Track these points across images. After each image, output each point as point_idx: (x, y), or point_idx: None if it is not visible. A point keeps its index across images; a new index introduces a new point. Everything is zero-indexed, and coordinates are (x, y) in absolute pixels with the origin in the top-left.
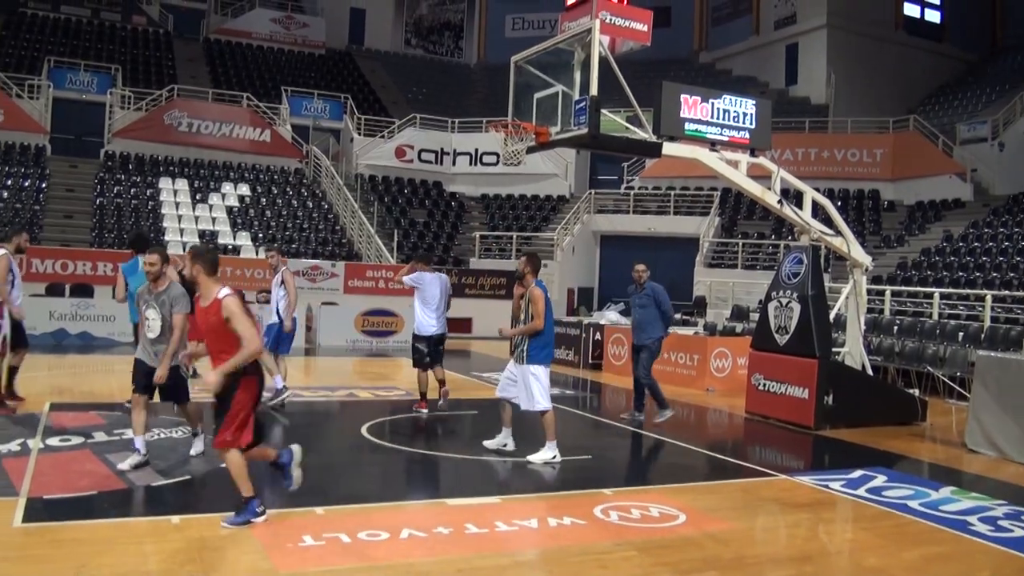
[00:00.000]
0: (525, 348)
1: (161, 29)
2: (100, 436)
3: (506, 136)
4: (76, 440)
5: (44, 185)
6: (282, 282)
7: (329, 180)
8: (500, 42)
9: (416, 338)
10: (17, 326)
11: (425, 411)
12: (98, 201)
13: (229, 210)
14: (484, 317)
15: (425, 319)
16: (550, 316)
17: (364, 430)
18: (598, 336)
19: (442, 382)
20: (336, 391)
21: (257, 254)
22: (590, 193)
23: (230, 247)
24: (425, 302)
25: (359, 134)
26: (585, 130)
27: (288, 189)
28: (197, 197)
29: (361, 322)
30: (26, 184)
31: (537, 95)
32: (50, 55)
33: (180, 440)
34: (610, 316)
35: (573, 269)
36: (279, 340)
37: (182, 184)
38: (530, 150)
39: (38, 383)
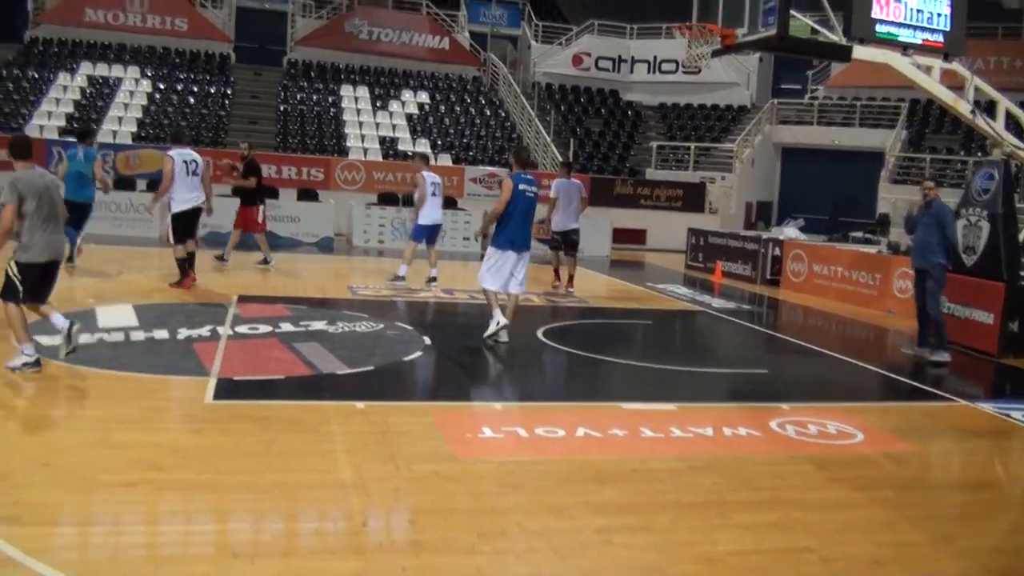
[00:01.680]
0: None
1: None
2: (287, 327)
3: (690, 39)
4: (264, 329)
5: (229, 92)
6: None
7: (506, 88)
8: None
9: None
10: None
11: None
12: (281, 108)
13: (408, 117)
14: (659, 229)
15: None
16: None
17: (540, 333)
18: (777, 252)
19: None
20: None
21: (436, 161)
22: (772, 103)
23: (409, 153)
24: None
25: (536, 41)
26: (774, 31)
27: (466, 97)
28: (377, 104)
29: (536, 229)
30: (212, 91)
31: None
32: None
33: (364, 333)
34: (789, 232)
35: (752, 182)
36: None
37: (363, 91)
38: (715, 54)
39: (226, 278)
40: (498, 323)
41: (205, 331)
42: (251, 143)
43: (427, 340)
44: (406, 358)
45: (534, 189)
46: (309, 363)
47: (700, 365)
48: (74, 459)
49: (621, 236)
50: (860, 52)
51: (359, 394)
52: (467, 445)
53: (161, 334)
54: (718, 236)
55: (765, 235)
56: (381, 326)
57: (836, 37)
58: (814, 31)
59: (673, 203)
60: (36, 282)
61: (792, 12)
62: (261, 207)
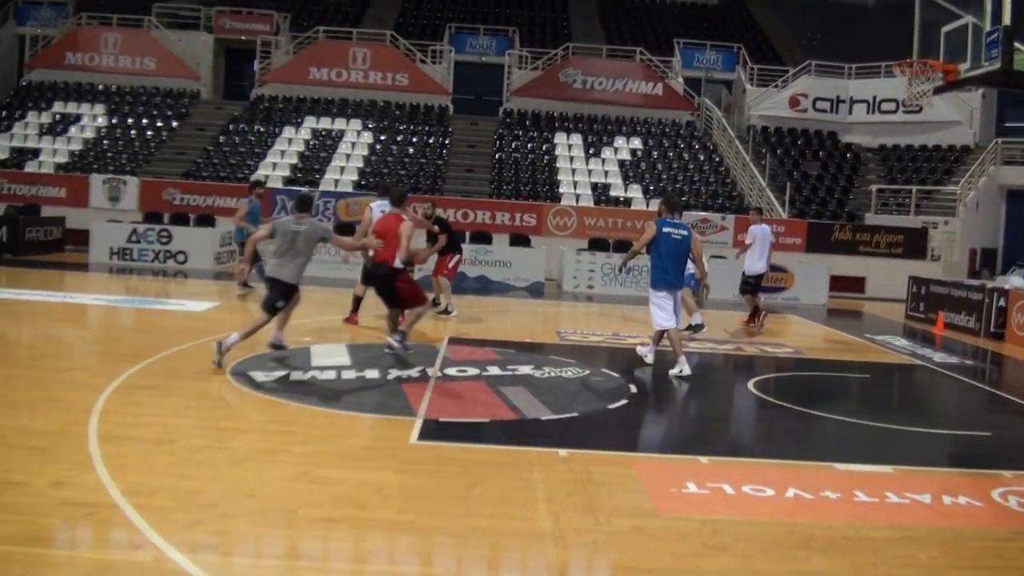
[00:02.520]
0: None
1: None
2: (494, 370)
3: (911, 76)
4: (472, 371)
5: (447, 142)
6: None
7: (720, 132)
8: None
9: None
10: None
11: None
12: (497, 156)
13: (621, 163)
14: (879, 276)
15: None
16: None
17: (751, 385)
18: (1002, 302)
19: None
20: (722, 344)
21: (648, 206)
22: (996, 142)
23: (622, 199)
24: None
25: (751, 84)
26: (997, 65)
27: (679, 142)
28: (590, 151)
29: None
30: (430, 141)
31: (944, 29)
32: (451, 22)
33: (569, 379)
34: (1015, 280)
35: (976, 227)
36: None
37: (576, 139)
38: (937, 91)
39: (438, 320)
40: (682, 366)
41: (415, 372)
42: (434, 201)
43: (633, 388)
44: (611, 406)
45: (683, 232)
46: (514, 407)
47: (919, 424)
48: (278, 492)
49: (839, 284)
50: None
51: (562, 441)
52: (670, 500)
53: (372, 374)
54: (940, 285)
55: (990, 284)
56: (587, 372)
57: None
58: None
59: (893, 249)
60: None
61: (1016, 44)
62: (456, 256)
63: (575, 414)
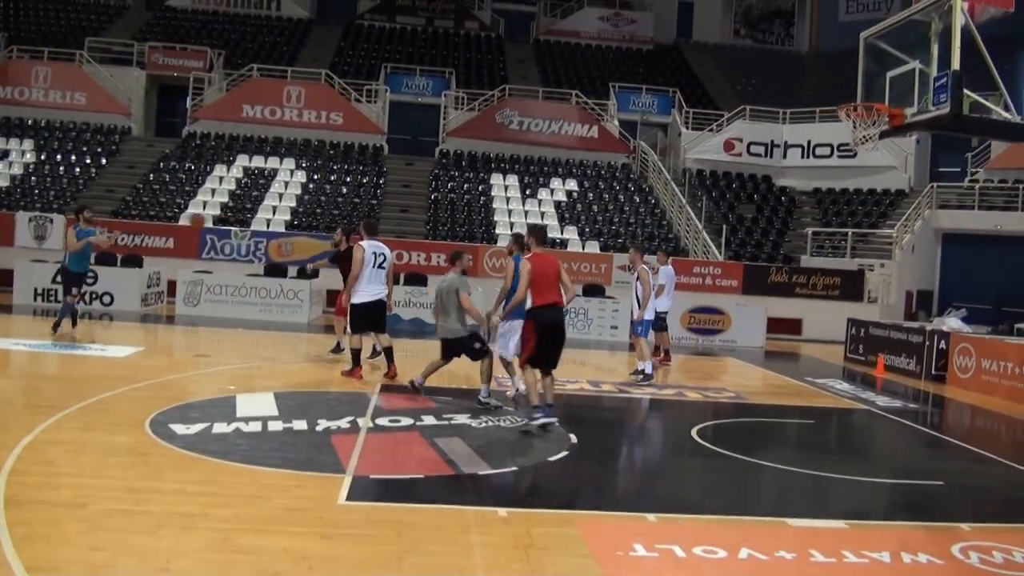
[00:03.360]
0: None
1: (493, 33)
2: (429, 420)
3: (856, 120)
4: (405, 422)
5: (382, 181)
6: (638, 278)
7: (656, 175)
8: (833, 28)
9: None
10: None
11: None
12: (432, 196)
13: (557, 205)
14: (816, 318)
15: None
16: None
17: (694, 432)
18: (943, 345)
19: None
20: (663, 389)
21: (583, 248)
22: (931, 187)
23: (558, 241)
24: None
25: (687, 128)
26: (947, 109)
27: (615, 184)
28: (527, 192)
29: (688, 319)
30: (365, 181)
31: (890, 74)
32: (387, 62)
33: (507, 429)
34: (951, 322)
35: (912, 269)
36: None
37: (512, 180)
38: (883, 135)
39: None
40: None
41: (345, 423)
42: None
43: (573, 438)
44: (551, 458)
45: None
46: (450, 461)
47: (869, 473)
48: (194, 565)
49: (776, 326)
50: None
51: (501, 498)
52: (618, 565)
53: (300, 425)
54: (879, 327)
55: (929, 327)
56: (525, 421)
57: (1008, 114)
58: (977, 107)
59: (830, 291)
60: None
61: (964, 90)
62: None
63: (514, 468)
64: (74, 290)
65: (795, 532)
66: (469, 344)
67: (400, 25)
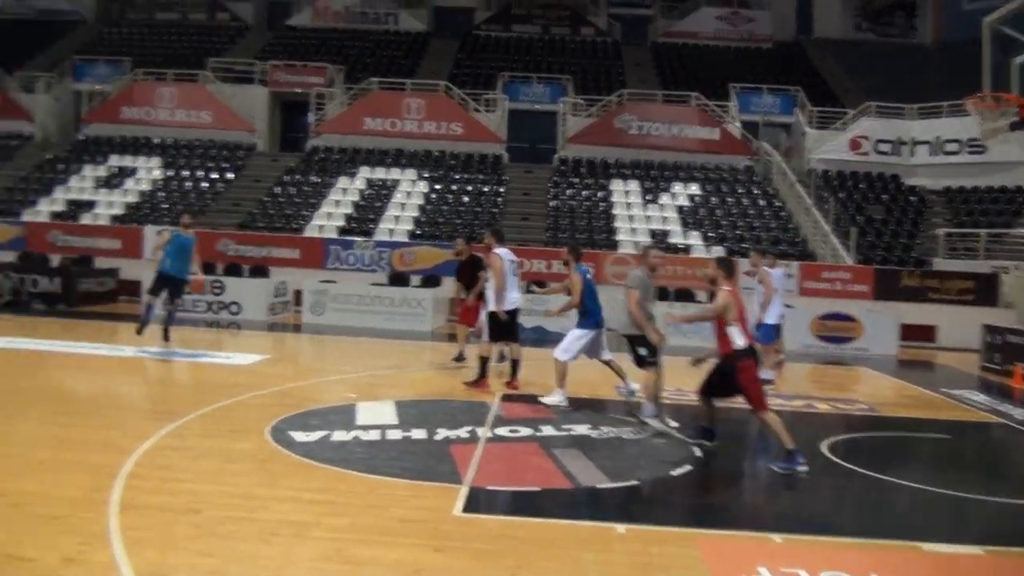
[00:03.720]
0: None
1: (609, 38)
2: (548, 430)
3: (983, 111)
4: (525, 432)
5: (502, 190)
6: (760, 281)
7: (780, 176)
8: (957, 17)
9: None
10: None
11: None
12: (552, 204)
13: (679, 209)
14: (950, 325)
15: None
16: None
17: (824, 447)
18: None
19: None
20: (791, 400)
21: (708, 253)
22: None
23: (681, 246)
24: None
25: (811, 127)
26: None
27: (738, 187)
28: (647, 197)
29: (817, 326)
30: (485, 190)
31: (1018, 60)
32: (504, 71)
33: (629, 440)
34: None
35: None
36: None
37: (633, 185)
38: (1013, 126)
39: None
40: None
41: (464, 432)
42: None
43: (697, 451)
44: (673, 472)
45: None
46: (568, 474)
47: (1006, 494)
48: (304, 574)
49: (908, 333)
50: None
51: (619, 514)
52: None
53: (419, 434)
54: (1018, 335)
55: None
56: (648, 432)
57: None
58: None
59: (964, 296)
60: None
61: None
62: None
63: (634, 482)
64: (174, 297)
65: (929, 558)
66: (633, 345)
67: (516, 34)
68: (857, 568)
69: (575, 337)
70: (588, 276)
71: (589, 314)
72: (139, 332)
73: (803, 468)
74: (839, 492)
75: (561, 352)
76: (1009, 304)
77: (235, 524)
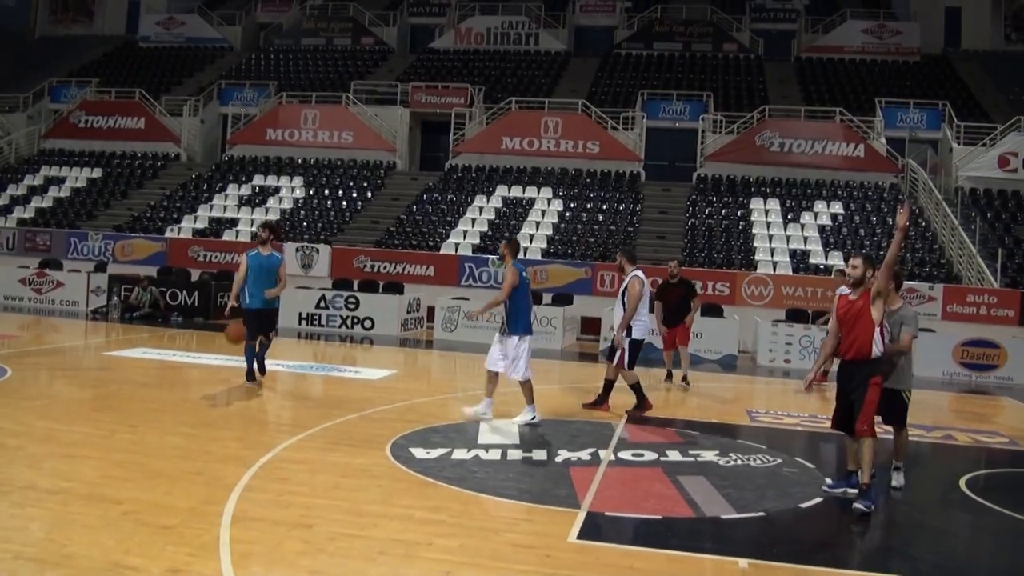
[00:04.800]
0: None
1: (751, 54)
2: (674, 455)
3: None
4: (649, 456)
5: (638, 208)
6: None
7: (927, 195)
8: None
9: None
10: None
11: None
12: (690, 222)
13: (821, 228)
14: None
15: None
16: (520, 292)
17: (963, 483)
18: None
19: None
20: (931, 431)
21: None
22: None
23: (822, 267)
24: None
25: (958, 143)
26: None
27: (883, 206)
28: (788, 216)
29: (960, 352)
30: (621, 208)
31: None
32: (644, 88)
33: (757, 469)
34: None
35: None
36: None
37: (773, 204)
38: None
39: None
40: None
41: (586, 455)
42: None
43: (829, 482)
44: (803, 505)
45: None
46: (691, 501)
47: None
48: None
49: None
50: None
51: (743, 547)
52: None
53: (540, 455)
54: None
55: None
56: (779, 461)
57: None
58: None
59: None
60: None
61: None
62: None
63: (761, 513)
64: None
65: None
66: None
67: (657, 52)
68: None
69: (521, 349)
70: (525, 274)
71: (523, 315)
72: (250, 379)
73: (870, 509)
74: (977, 534)
75: (520, 373)
76: None
77: (345, 541)
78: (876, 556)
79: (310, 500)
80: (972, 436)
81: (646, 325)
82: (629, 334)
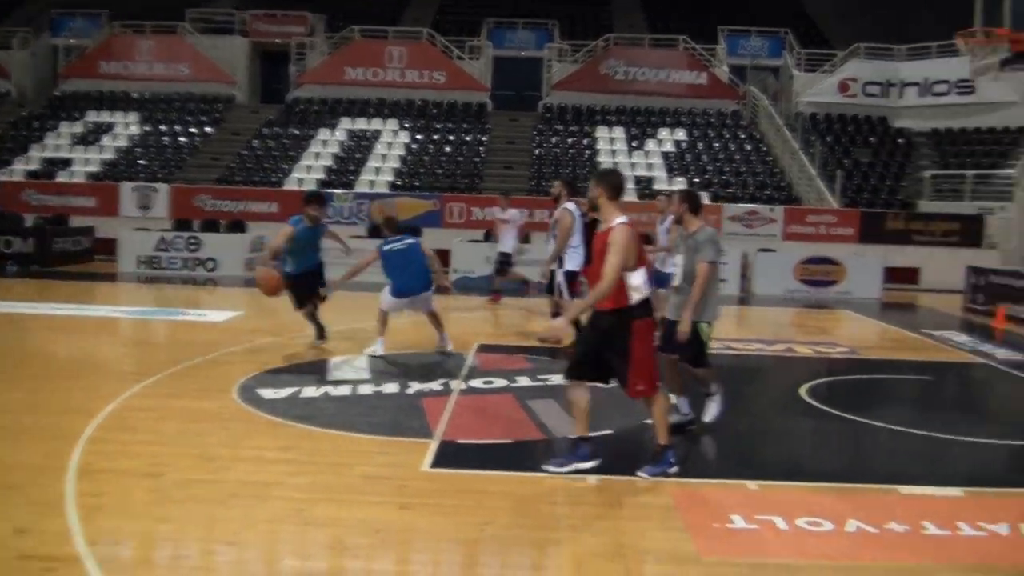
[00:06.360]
0: None
1: None
2: (524, 381)
3: (973, 48)
4: (499, 383)
5: (485, 139)
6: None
7: (768, 120)
8: None
9: None
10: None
11: None
12: (536, 152)
13: (665, 155)
14: (934, 267)
15: None
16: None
17: (803, 391)
18: None
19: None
20: (772, 345)
21: None
22: None
23: (666, 193)
24: None
25: (799, 70)
26: None
27: (725, 132)
28: (633, 144)
29: (800, 270)
30: (468, 139)
31: None
32: (488, 17)
33: (606, 390)
34: None
35: None
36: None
37: (619, 132)
38: (1004, 63)
39: (468, 324)
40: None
41: (437, 385)
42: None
43: (673, 398)
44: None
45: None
46: (541, 425)
47: (987, 434)
48: (262, 537)
49: (892, 275)
50: None
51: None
52: (712, 539)
53: (391, 388)
54: (1000, 275)
55: None
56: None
57: None
58: None
59: (948, 238)
60: None
61: None
62: None
63: (610, 431)
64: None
65: (907, 501)
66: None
67: None
68: (834, 513)
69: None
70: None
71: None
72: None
73: (674, 470)
74: (817, 437)
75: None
76: (993, 245)
77: (195, 487)
78: (721, 463)
79: (158, 448)
80: (812, 347)
81: (580, 257)
82: (562, 266)
